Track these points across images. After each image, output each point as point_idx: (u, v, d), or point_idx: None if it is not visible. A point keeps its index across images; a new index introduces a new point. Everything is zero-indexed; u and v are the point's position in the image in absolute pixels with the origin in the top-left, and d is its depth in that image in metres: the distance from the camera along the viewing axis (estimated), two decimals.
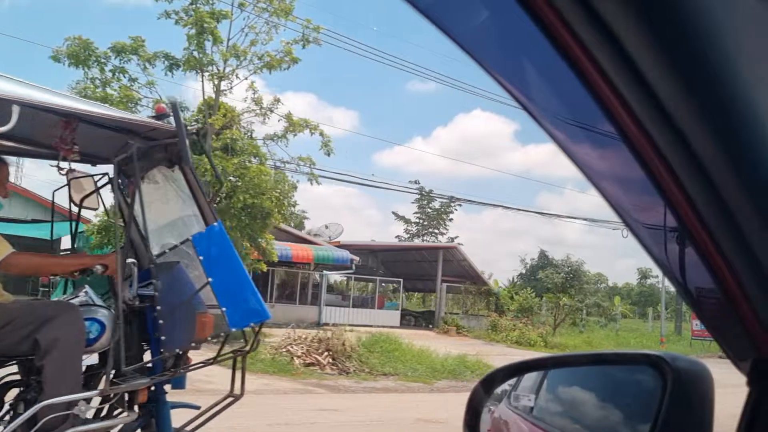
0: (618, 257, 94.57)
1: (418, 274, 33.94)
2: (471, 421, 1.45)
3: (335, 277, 32.49)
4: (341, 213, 78.81)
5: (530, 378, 1.66)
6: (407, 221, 46.27)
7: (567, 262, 34.46)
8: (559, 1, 0.48)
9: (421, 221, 45.97)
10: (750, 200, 0.59)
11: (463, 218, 71.06)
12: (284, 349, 13.23)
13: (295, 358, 12.94)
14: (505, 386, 1.69)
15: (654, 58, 0.50)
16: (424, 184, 46.14)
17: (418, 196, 43.82)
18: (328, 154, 17.68)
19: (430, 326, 29.22)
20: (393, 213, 44.88)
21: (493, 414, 1.69)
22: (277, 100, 17.22)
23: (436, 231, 45.89)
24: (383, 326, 26.62)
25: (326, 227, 34.35)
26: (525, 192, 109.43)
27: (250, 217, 16.31)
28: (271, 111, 17.25)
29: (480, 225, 74.16)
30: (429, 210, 45.60)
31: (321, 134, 17.53)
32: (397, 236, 42.38)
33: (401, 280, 32.31)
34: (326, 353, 13.18)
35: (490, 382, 1.53)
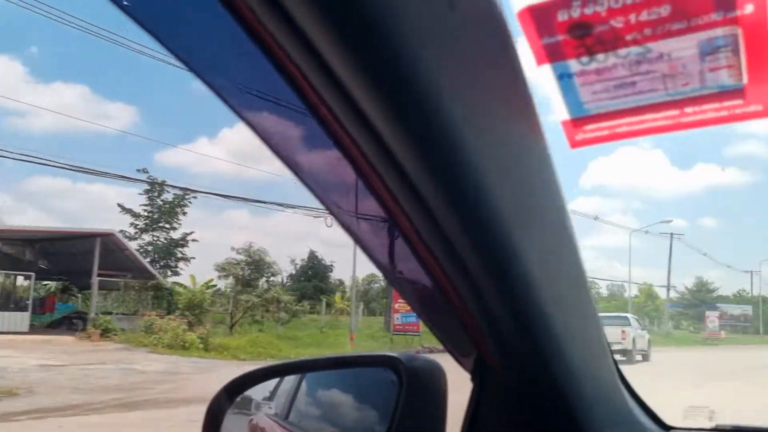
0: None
1: (84, 267, 27.60)
2: (209, 429, 1.43)
3: None
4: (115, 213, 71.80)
5: (288, 381, 1.63)
6: (135, 215, 41.32)
7: (247, 251, 30.18)
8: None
9: (151, 215, 41.31)
10: (451, 206, 0.62)
11: (248, 220, 68.12)
12: None
13: None
14: (266, 392, 1.65)
15: (346, 59, 0.50)
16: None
17: (147, 188, 39.18)
18: None
19: (74, 330, 25.18)
20: (118, 205, 39.66)
21: (252, 421, 1.67)
22: None
23: (167, 226, 41.49)
24: (4, 333, 22.32)
25: None
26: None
27: None
28: None
29: (267, 227, 71.51)
30: (160, 203, 41.15)
31: None
32: (121, 230, 37.41)
33: (33, 273, 27.42)
34: None
35: (235, 388, 1.50)
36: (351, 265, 30.57)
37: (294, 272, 46.05)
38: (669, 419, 1.19)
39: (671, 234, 47.96)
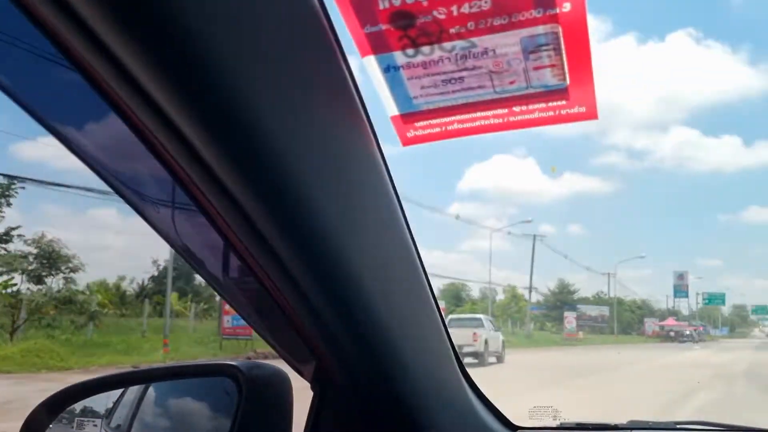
0: None
1: None
2: None
3: None
4: None
5: (132, 392, 1.53)
6: None
7: (38, 243, 25.18)
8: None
9: None
10: (266, 208, 0.59)
11: (115, 219, 64.10)
12: None
13: None
14: (109, 403, 1.56)
15: (136, 54, 0.46)
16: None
17: None
18: None
19: None
20: None
21: None
22: None
23: None
24: None
25: None
26: None
27: None
28: None
29: (137, 227, 67.11)
30: None
31: None
32: None
33: None
34: None
35: (56, 403, 1.37)
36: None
37: (155, 274, 43.18)
38: (516, 419, 1.22)
39: (534, 236, 50.61)
